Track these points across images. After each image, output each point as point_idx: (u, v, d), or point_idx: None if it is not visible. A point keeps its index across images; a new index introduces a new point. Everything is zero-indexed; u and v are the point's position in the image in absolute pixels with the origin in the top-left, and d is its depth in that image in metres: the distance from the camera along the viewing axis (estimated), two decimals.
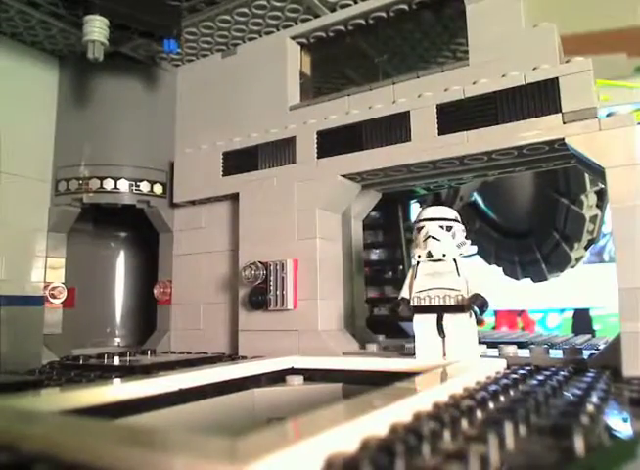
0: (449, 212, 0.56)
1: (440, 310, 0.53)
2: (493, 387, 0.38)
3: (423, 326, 0.54)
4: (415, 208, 1.13)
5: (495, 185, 1.09)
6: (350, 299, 0.77)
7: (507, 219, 1.22)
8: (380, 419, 0.28)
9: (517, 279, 1.26)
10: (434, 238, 0.54)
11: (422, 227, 0.55)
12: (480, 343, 0.62)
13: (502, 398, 0.36)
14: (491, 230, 1.25)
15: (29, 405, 0.35)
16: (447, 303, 0.53)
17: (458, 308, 0.53)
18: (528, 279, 1.23)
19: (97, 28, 0.66)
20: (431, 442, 0.25)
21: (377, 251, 0.99)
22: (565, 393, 0.39)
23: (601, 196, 1.03)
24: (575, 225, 1.04)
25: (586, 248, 1.09)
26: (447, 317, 0.53)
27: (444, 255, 0.54)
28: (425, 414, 0.30)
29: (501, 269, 1.32)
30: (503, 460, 0.24)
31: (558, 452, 0.26)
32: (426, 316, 0.54)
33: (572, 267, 1.14)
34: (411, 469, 0.22)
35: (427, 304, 0.54)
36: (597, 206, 1.03)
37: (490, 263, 1.36)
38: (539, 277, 1.19)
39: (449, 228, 0.55)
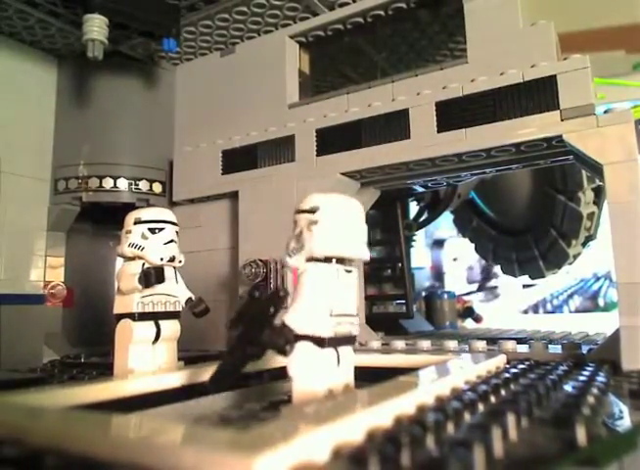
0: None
1: (159, 317, 0.52)
2: (495, 380, 0.38)
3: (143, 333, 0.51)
4: (413, 206, 1.14)
5: (493, 183, 1.09)
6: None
7: (505, 217, 1.22)
8: (384, 411, 0.28)
9: (514, 276, 1.26)
10: (175, 242, 0.52)
11: (163, 228, 0.52)
12: (479, 339, 0.63)
13: (503, 390, 0.36)
14: (489, 228, 1.25)
15: (35, 401, 0.35)
16: (167, 309, 0.52)
17: (174, 315, 0.52)
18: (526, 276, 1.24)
19: (96, 27, 0.66)
20: (435, 432, 0.26)
21: (376, 249, 1.00)
22: (565, 385, 0.39)
23: (598, 193, 1.03)
24: (573, 222, 1.04)
25: (584, 245, 1.10)
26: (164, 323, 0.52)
27: (180, 261, 0.53)
28: (428, 407, 0.30)
29: (499, 267, 1.32)
30: (506, 450, 0.24)
31: (560, 442, 0.26)
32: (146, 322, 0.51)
33: (570, 264, 1.15)
34: (416, 459, 0.22)
35: (150, 310, 0.51)
36: (594, 203, 1.04)
37: (488, 261, 1.36)
38: (537, 274, 1.19)
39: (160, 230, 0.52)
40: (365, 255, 0.37)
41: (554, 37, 0.61)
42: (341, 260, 0.36)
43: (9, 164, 0.78)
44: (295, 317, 0.35)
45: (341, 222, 0.36)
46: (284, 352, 0.34)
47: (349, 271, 0.37)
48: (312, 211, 0.36)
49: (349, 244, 0.36)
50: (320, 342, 0.34)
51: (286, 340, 0.34)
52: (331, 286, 0.35)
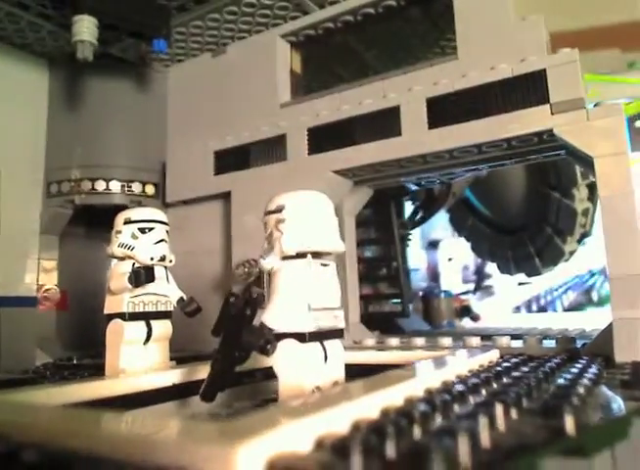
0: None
1: (150, 317, 0.51)
2: (485, 374, 0.38)
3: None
4: (408, 205, 1.14)
5: (487, 181, 1.09)
6: (344, 295, 0.76)
7: (500, 215, 1.22)
8: (371, 403, 0.28)
9: (511, 274, 1.26)
10: (165, 242, 0.51)
11: (153, 228, 0.51)
12: (474, 335, 0.63)
13: (494, 383, 0.36)
14: (485, 226, 1.25)
15: (25, 400, 0.35)
16: (158, 309, 0.51)
17: (166, 315, 0.52)
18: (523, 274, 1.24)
19: (86, 29, 0.66)
20: (421, 423, 0.25)
21: (370, 247, 0.99)
22: (556, 378, 0.39)
23: (592, 189, 1.03)
24: (568, 219, 1.04)
25: (579, 241, 1.10)
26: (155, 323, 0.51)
27: (171, 261, 0.52)
28: (416, 399, 0.30)
29: (496, 266, 1.32)
30: (492, 439, 0.24)
31: (547, 432, 0.26)
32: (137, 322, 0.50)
33: (566, 261, 1.15)
34: (401, 449, 0.22)
35: (140, 310, 0.50)
36: (589, 199, 1.04)
37: (484, 260, 1.36)
38: (533, 272, 1.19)
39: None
40: (339, 246, 0.37)
41: (544, 32, 0.61)
42: (316, 255, 0.36)
43: (1, 167, 0.78)
44: (272, 316, 0.35)
45: (308, 217, 0.36)
46: (265, 353, 0.34)
47: (326, 265, 0.37)
48: (278, 210, 0.36)
49: (320, 237, 0.36)
50: (301, 337, 0.35)
51: (265, 340, 0.34)
52: (305, 281, 0.35)
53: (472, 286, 1.61)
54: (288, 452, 0.20)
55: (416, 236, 1.38)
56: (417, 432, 0.25)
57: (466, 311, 1.34)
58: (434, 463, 0.20)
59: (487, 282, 1.64)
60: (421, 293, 1.28)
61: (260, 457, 0.20)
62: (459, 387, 0.33)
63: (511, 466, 0.21)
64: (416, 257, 1.39)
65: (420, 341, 0.64)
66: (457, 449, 0.21)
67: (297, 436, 0.22)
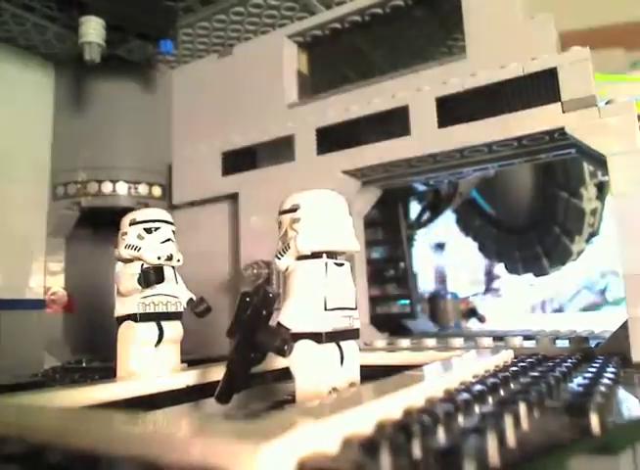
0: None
1: (162, 318, 0.50)
2: (503, 373, 0.37)
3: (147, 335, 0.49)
4: (415, 205, 1.13)
5: (494, 181, 1.09)
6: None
7: (507, 215, 1.22)
8: (393, 404, 0.27)
9: (518, 275, 1.26)
10: (172, 241, 0.50)
11: (158, 228, 0.50)
12: (484, 336, 0.62)
13: (513, 382, 0.35)
14: (492, 227, 1.25)
15: (38, 402, 0.35)
16: (169, 309, 0.50)
17: (176, 316, 0.51)
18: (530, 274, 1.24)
19: (93, 30, 0.65)
20: (446, 423, 0.25)
21: (377, 248, 0.99)
22: (575, 377, 0.39)
23: (601, 188, 1.03)
24: (576, 219, 1.04)
25: (587, 241, 1.09)
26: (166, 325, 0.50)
27: (178, 260, 0.51)
28: (437, 399, 0.30)
29: (503, 266, 1.32)
30: (519, 437, 0.24)
31: (573, 430, 0.25)
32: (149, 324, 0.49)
33: (574, 261, 1.14)
34: (429, 447, 0.22)
35: (151, 310, 0.49)
36: (597, 198, 1.03)
37: (492, 260, 1.36)
38: (540, 272, 1.19)
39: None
40: (354, 246, 0.37)
41: (554, 30, 0.60)
42: (331, 255, 0.36)
43: (7, 170, 0.78)
44: (288, 316, 0.35)
45: (323, 217, 0.36)
46: (282, 353, 0.34)
47: (341, 264, 0.37)
48: (293, 209, 0.36)
49: (335, 237, 0.36)
50: (317, 337, 0.34)
51: (282, 340, 0.34)
52: (321, 280, 0.35)
53: (479, 288, 1.60)
54: (318, 453, 0.20)
55: (422, 237, 1.37)
56: (442, 431, 0.24)
57: (472, 313, 1.33)
58: (466, 461, 0.19)
59: (497, 283, 1.63)
60: (427, 294, 1.27)
61: (291, 457, 0.19)
62: (478, 386, 0.32)
63: (542, 464, 0.21)
64: (422, 258, 1.38)
65: (431, 342, 0.63)
66: (487, 448, 0.21)
67: (325, 435, 0.21)
